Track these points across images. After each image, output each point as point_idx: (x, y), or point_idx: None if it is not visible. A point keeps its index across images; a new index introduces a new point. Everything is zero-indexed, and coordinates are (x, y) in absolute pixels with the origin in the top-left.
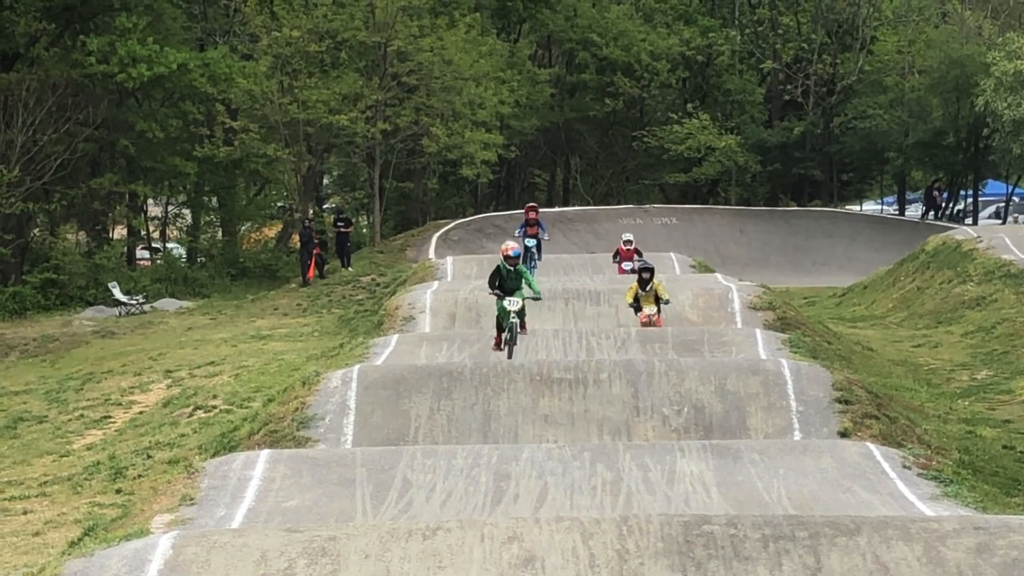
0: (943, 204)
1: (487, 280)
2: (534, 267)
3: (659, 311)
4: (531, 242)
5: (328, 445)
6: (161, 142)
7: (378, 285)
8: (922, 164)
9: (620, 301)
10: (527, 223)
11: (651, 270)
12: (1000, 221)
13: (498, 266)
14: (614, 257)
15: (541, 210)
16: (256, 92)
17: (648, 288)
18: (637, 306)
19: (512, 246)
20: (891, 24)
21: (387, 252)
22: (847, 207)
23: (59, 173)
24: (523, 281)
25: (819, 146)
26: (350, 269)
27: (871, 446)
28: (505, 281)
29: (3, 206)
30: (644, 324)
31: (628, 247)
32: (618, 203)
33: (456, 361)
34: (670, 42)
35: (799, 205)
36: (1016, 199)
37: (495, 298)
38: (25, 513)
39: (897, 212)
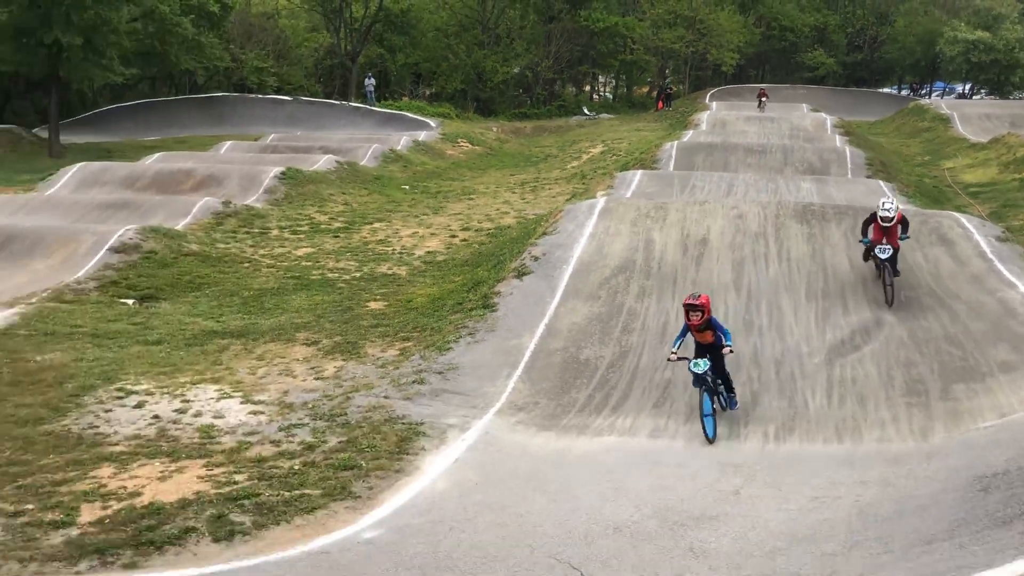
0: (920, 90)
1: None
2: (709, 415)
3: None
4: (700, 366)
5: (664, 170)
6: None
7: (685, 113)
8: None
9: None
10: (688, 329)
11: None
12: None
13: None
14: (863, 231)
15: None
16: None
17: None
18: None
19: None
20: None
21: (689, 100)
22: (878, 90)
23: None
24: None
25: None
26: (669, 109)
27: (880, 182)
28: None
29: (545, 73)
30: None
31: (887, 223)
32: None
33: (715, 141)
34: None
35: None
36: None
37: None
38: (550, 189)
39: (898, 92)
